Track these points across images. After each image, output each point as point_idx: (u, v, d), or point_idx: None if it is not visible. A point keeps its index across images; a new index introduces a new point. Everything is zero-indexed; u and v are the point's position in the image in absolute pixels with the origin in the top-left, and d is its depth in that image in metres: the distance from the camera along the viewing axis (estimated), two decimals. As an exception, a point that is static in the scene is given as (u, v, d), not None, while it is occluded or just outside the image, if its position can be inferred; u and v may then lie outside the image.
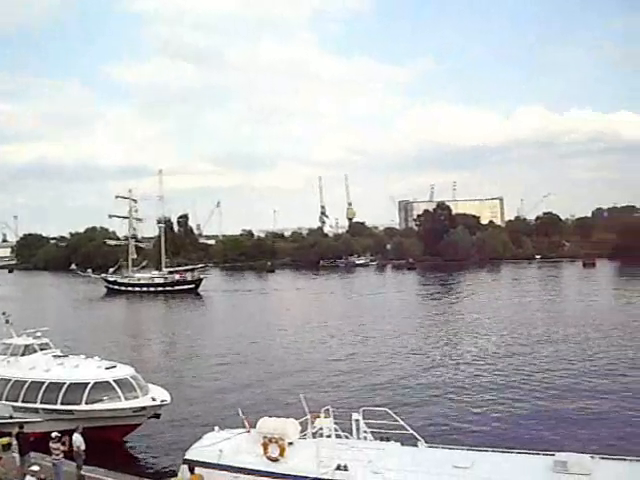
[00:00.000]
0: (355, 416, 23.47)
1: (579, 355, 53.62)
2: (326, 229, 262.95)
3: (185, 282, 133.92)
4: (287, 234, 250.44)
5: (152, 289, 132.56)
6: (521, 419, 37.13)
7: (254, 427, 23.53)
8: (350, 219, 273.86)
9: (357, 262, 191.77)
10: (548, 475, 20.53)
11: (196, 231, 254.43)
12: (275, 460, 22.17)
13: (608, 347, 56.46)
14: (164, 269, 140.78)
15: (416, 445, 23.42)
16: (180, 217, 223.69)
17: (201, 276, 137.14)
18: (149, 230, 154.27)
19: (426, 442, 23.67)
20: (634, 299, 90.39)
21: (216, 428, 25.14)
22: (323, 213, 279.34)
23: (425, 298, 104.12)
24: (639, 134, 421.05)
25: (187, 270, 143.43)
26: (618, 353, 53.71)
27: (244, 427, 24.30)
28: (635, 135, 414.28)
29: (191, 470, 23.17)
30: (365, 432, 23.50)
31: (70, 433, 27.69)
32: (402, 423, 23.30)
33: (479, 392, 43.40)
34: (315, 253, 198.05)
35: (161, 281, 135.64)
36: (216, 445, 23.54)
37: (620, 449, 27.64)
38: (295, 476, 21.53)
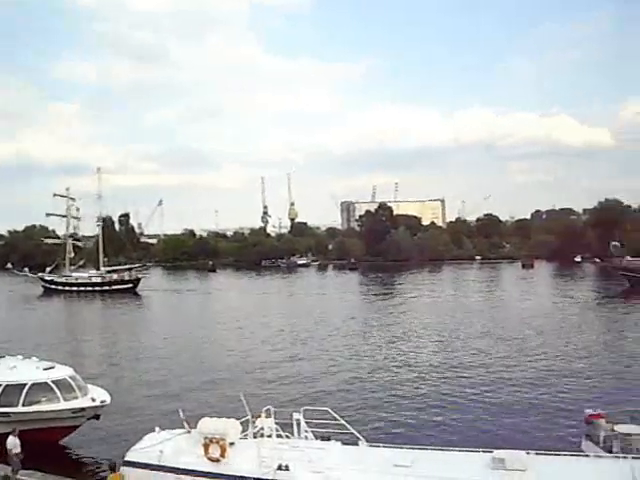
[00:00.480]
0: (296, 416, 23.58)
1: (516, 354, 54.65)
2: (269, 229, 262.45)
3: (123, 282, 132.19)
4: (229, 234, 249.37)
5: (90, 289, 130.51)
6: (460, 417, 37.63)
7: (195, 427, 23.50)
8: (292, 219, 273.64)
9: (299, 262, 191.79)
10: (486, 472, 20.97)
11: (138, 230, 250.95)
12: (216, 461, 22.17)
13: (543, 346, 57.69)
14: (102, 268, 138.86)
15: (357, 444, 23.64)
16: (121, 216, 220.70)
17: (139, 275, 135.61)
18: (89, 229, 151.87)
19: (367, 441, 23.90)
20: (569, 299, 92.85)
21: (156, 429, 24.97)
22: (265, 213, 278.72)
23: (367, 298, 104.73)
24: (577, 138, 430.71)
25: (125, 269, 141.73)
26: (553, 352, 54.91)
27: (185, 428, 24.23)
28: (573, 139, 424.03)
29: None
30: (306, 432, 23.63)
31: (5, 436, 27.24)
32: (343, 422, 23.50)
33: (419, 391, 43.82)
34: (257, 253, 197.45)
35: (99, 280, 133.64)
36: (156, 446, 23.42)
37: (555, 445, 28.29)
38: (236, 477, 21.56)
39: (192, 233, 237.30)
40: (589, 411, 29.72)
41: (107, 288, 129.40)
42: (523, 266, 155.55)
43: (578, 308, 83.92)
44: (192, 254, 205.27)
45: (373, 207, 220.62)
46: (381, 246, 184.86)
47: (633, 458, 22.94)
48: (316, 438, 23.67)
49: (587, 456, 25.39)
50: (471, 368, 50.07)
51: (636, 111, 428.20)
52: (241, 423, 23.39)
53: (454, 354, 55.73)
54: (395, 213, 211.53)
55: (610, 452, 26.27)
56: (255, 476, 21.28)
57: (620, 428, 27.24)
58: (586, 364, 50.66)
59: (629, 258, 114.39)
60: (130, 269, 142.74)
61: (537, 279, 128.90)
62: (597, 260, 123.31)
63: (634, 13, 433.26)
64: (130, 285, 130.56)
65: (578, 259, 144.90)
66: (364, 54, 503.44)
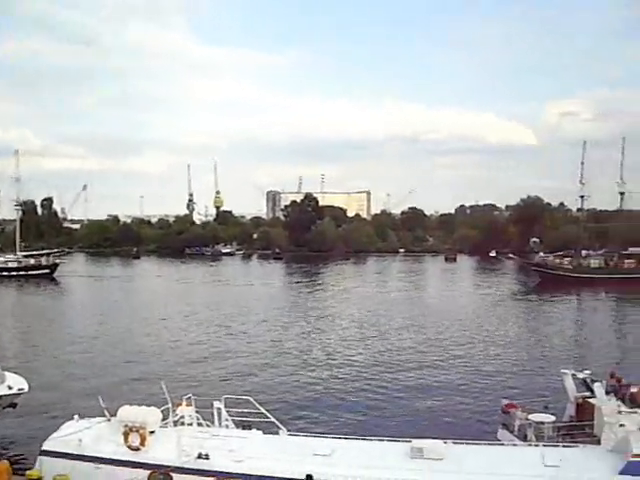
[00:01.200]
0: (217, 404, 23.57)
1: (436, 346, 55.76)
2: (195, 217, 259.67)
3: (40, 267, 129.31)
4: (154, 221, 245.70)
5: (5, 273, 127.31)
6: (380, 408, 38.21)
7: (115, 416, 23.22)
8: (218, 207, 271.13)
9: (223, 251, 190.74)
10: (405, 461, 21.39)
11: (61, 215, 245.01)
12: (136, 449, 22.01)
13: (461, 338, 59.15)
14: (18, 253, 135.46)
15: (277, 433, 23.77)
16: (44, 200, 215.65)
17: (57, 261, 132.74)
18: (10, 213, 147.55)
19: (287, 430, 24.05)
20: (486, 293, 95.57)
21: (75, 417, 24.58)
22: (191, 200, 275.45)
23: (291, 289, 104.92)
24: (502, 136, 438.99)
25: (43, 254, 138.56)
26: (470, 344, 56.35)
27: (105, 416, 23.92)
28: (498, 137, 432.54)
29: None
30: (227, 420, 23.66)
31: None
32: (264, 411, 23.58)
33: (340, 382, 44.31)
34: (182, 241, 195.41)
35: (15, 265, 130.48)
36: (75, 435, 23.07)
37: (473, 434, 28.96)
38: (156, 465, 21.42)
39: (116, 219, 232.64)
40: (505, 401, 30.59)
41: (23, 273, 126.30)
42: (446, 259, 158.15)
43: (494, 302, 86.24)
44: (116, 240, 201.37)
45: (299, 197, 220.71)
46: (306, 236, 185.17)
47: (544, 445, 23.75)
48: (237, 427, 23.71)
49: (502, 444, 26.15)
50: (392, 360, 50.84)
51: (560, 112, 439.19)
52: (162, 411, 23.25)
53: (376, 346, 56.44)
54: (321, 204, 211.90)
55: (524, 440, 27.10)
56: (175, 465, 21.19)
57: (534, 417, 28.09)
58: (502, 356, 52.13)
59: (541, 254, 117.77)
60: (48, 254, 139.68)
61: (459, 273, 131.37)
62: (511, 255, 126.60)
63: (562, 16, 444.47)
64: (47, 270, 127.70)
65: (493, 254, 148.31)
66: (293, 44, 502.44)
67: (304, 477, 20.42)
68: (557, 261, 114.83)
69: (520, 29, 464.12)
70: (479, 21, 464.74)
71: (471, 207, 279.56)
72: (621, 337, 61.71)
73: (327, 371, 47.32)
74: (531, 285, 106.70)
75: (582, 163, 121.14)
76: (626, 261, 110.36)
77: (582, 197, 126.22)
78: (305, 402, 39.33)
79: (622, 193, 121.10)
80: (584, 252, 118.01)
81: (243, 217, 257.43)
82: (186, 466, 21.16)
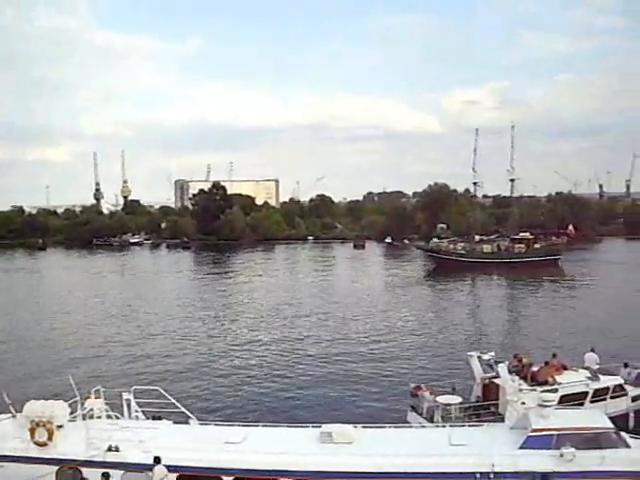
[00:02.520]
0: (126, 396, 23.33)
1: (343, 332, 56.36)
2: (104, 206, 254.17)
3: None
4: (60, 211, 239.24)
5: None
6: (290, 394, 38.50)
7: (20, 411, 22.69)
8: (125, 197, 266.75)
9: (131, 241, 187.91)
10: (315, 446, 21.67)
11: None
12: (43, 445, 21.54)
13: (367, 324, 60.08)
14: None
15: (188, 423, 23.71)
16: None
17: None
18: None
19: (198, 419, 24.03)
20: (391, 278, 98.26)
21: (-22, 415, 23.91)
22: (98, 190, 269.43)
23: (198, 278, 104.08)
24: (409, 124, 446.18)
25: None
26: (376, 330, 57.24)
27: (10, 412, 23.33)
28: (405, 125, 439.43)
29: None
30: (137, 412, 23.46)
31: None
32: (173, 401, 23.48)
33: (250, 369, 44.42)
34: (89, 231, 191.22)
35: None
36: (-22, 432, 22.46)
37: (383, 418, 29.56)
38: (64, 460, 21.06)
39: (21, 210, 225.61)
40: (413, 384, 31.36)
41: None
42: (355, 246, 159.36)
43: (396, 287, 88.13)
44: (21, 232, 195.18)
45: (207, 186, 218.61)
46: (214, 225, 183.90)
47: (451, 426, 24.46)
48: (147, 418, 23.53)
49: (411, 426, 26.79)
50: (301, 346, 51.18)
51: (464, 100, 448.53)
52: (70, 405, 22.83)
53: (285, 333, 56.72)
54: (229, 192, 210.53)
55: (432, 421, 27.85)
56: (84, 459, 20.87)
57: (441, 399, 28.89)
58: (408, 340, 53.09)
59: (436, 240, 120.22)
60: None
61: (367, 259, 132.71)
62: (406, 241, 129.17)
63: (469, 9, 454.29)
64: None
65: (388, 240, 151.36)
66: (200, 32, 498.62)
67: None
68: (451, 246, 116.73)
69: (427, 20, 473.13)
70: (388, 12, 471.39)
71: (379, 194, 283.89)
72: (516, 319, 63.68)
73: (237, 359, 47.34)
74: (428, 270, 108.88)
75: (474, 150, 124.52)
76: (516, 245, 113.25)
77: (475, 184, 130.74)
78: (216, 391, 39.29)
79: (512, 180, 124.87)
80: (477, 237, 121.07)
81: (151, 206, 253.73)
82: (95, 459, 20.86)
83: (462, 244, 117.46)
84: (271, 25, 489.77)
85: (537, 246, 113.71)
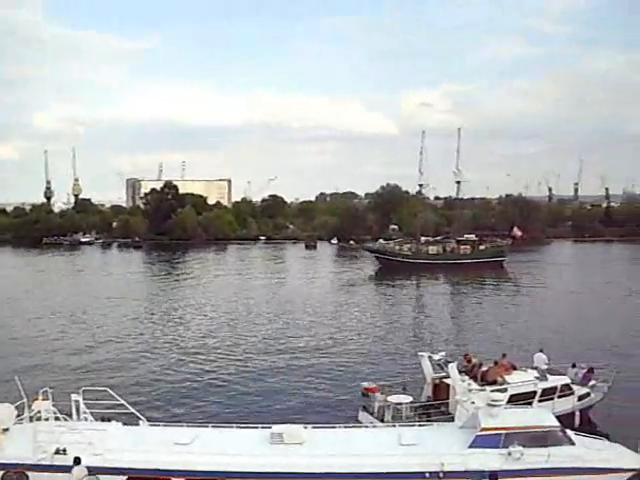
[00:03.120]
0: (75, 397, 23.02)
1: (294, 333, 56.43)
2: (57, 205, 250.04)
3: None
4: (9, 209, 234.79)
5: None
6: (242, 395, 38.45)
7: (-35, 415, 22.26)
8: (76, 195, 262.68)
9: (82, 240, 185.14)
10: (265, 447, 21.71)
11: None
12: (-11, 449, 21.17)
13: (318, 324, 60.32)
14: None
15: (138, 424, 23.53)
16: None
17: None
18: None
19: (148, 420, 23.86)
20: (340, 277, 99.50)
21: None
22: (48, 188, 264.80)
23: (149, 277, 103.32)
24: (364, 125, 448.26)
25: None
26: (326, 330, 57.43)
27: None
28: (360, 126, 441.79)
29: None
30: (85, 413, 23.16)
31: None
32: (123, 402, 23.27)
33: (200, 370, 44.19)
34: (39, 230, 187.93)
35: None
36: None
37: (335, 418, 29.67)
38: (10, 464, 20.71)
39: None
40: (365, 384, 31.49)
41: None
42: (306, 247, 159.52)
43: (344, 288, 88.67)
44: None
45: (159, 185, 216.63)
46: (166, 225, 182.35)
47: (401, 425, 24.68)
48: (96, 419, 23.25)
49: (362, 426, 26.93)
50: (253, 347, 51.12)
51: (418, 102, 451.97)
52: (16, 407, 22.46)
53: (236, 333, 56.59)
54: (181, 192, 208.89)
55: (383, 421, 28.03)
56: (31, 462, 20.57)
57: (392, 398, 29.10)
58: (358, 340, 53.57)
59: (381, 241, 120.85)
60: None
61: (318, 260, 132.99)
62: (351, 242, 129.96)
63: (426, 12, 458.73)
64: None
65: (334, 241, 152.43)
66: (157, 31, 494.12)
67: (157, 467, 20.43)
68: (396, 247, 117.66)
69: (386, 22, 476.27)
70: (347, 13, 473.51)
71: (331, 194, 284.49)
72: (464, 319, 64.38)
73: (188, 360, 47.00)
74: (374, 271, 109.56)
75: (421, 153, 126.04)
76: (462, 247, 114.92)
77: (421, 185, 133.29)
78: (166, 391, 39.01)
79: (458, 182, 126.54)
80: (423, 238, 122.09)
81: (103, 205, 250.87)
82: (43, 463, 20.58)
83: (408, 245, 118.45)
84: (229, 25, 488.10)
85: (482, 248, 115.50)
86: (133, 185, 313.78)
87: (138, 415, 23.45)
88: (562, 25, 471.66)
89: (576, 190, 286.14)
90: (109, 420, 23.34)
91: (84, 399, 23.12)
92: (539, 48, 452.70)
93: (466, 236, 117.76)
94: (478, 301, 75.88)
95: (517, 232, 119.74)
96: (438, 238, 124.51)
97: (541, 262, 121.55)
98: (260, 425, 23.37)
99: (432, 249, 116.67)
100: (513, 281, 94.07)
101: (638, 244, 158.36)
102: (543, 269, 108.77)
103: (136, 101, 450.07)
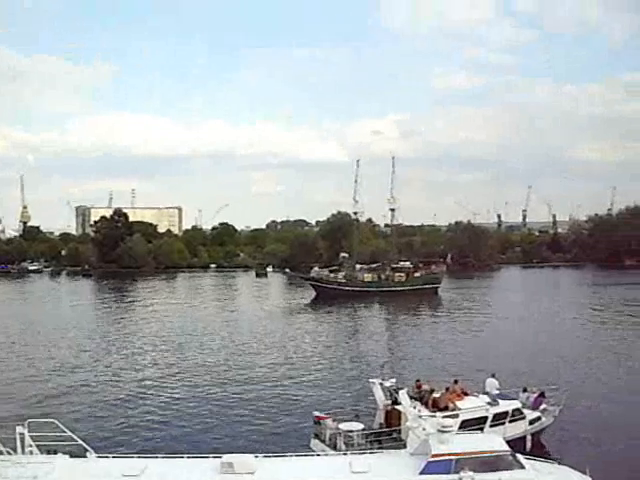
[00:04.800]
0: (19, 430, 22.47)
1: (245, 362, 56.14)
2: (7, 232, 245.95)
3: None
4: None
5: None
6: (192, 425, 37.98)
7: None
8: (25, 223, 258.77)
9: (30, 268, 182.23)
10: (216, 477, 21.46)
11: None
12: None
13: (269, 353, 60.33)
14: None
15: (85, 456, 23.05)
16: None
17: None
18: None
19: (96, 452, 23.38)
20: (280, 307, 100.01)
21: None
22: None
23: (98, 306, 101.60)
24: (315, 152, 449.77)
25: None
26: (278, 360, 57.13)
27: None
28: (311, 153, 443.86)
29: None
30: (31, 446, 22.60)
31: None
32: (70, 434, 22.78)
33: (149, 400, 43.68)
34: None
35: None
36: None
37: (287, 446, 29.41)
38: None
39: None
40: (317, 412, 31.38)
41: None
42: (257, 275, 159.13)
43: (284, 316, 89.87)
44: None
45: (109, 213, 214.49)
46: (116, 253, 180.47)
47: (352, 453, 24.61)
48: (42, 452, 22.71)
49: (313, 454, 26.80)
50: (204, 377, 50.57)
51: (368, 130, 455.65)
52: (-42, 442, 21.86)
53: (182, 362, 56.23)
54: (131, 220, 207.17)
55: (335, 449, 27.94)
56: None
57: (344, 426, 29.03)
58: (306, 368, 53.50)
59: (317, 269, 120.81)
60: None
61: (267, 288, 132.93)
62: (287, 270, 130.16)
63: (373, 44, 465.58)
64: None
65: (269, 269, 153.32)
66: (107, 57, 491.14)
67: None
68: (332, 275, 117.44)
69: (335, 53, 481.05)
70: (295, 45, 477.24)
71: (282, 222, 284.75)
72: (404, 346, 64.45)
73: (136, 389, 46.34)
74: (309, 299, 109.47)
75: (355, 181, 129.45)
76: (396, 274, 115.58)
77: (355, 213, 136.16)
78: (115, 422, 38.37)
79: (392, 209, 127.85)
80: (358, 266, 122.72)
81: (52, 233, 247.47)
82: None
83: (342, 273, 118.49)
84: (178, 55, 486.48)
85: (417, 275, 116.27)
86: (83, 213, 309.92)
87: (86, 447, 22.97)
88: (508, 55, 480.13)
89: (524, 217, 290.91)
90: (55, 453, 22.81)
91: (29, 431, 22.58)
92: (485, 78, 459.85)
93: (401, 263, 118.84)
94: (418, 328, 76.70)
95: (450, 259, 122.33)
96: (373, 265, 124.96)
97: (490, 288, 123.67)
98: (211, 455, 23.09)
99: (367, 276, 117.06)
100: (447, 308, 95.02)
101: (584, 269, 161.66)
102: (484, 295, 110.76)
103: (86, 128, 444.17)
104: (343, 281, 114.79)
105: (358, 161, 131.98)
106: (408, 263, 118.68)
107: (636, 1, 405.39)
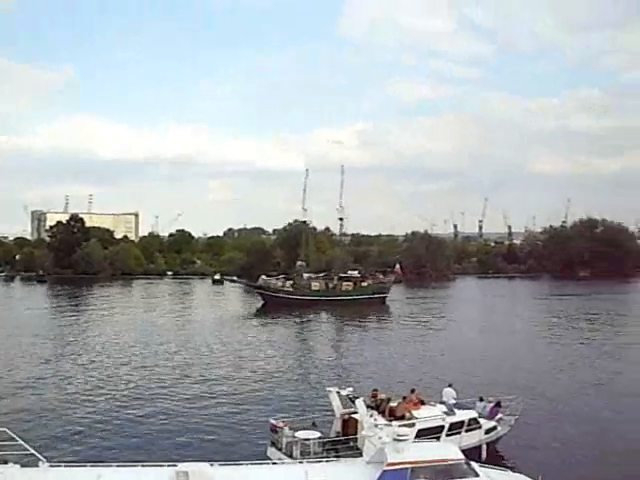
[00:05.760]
0: (-32, 439, 22.00)
1: (200, 369, 55.97)
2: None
3: None
4: None
5: None
6: (146, 432, 37.69)
7: None
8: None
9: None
10: (170, 486, 21.17)
11: None
12: None
13: (224, 361, 60.08)
14: None
15: (37, 465, 22.62)
16: None
17: None
18: None
19: (48, 461, 22.97)
20: (246, 314, 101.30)
21: None
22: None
23: (51, 313, 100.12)
24: (274, 160, 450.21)
25: None
26: (231, 366, 57.37)
27: None
28: (270, 161, 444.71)
29: None
30: (-20, 456, 22.14)
31: None
32: (21, 442, 22.28)
33: (103, 407, 43.12)
34: None
35: None
36: None
37: (243, 454, 29.25)
38: None
39: None
40: (273, 421, 31.28)
41: None
42: (214, 282, 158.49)
43: (236, 322, 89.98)
44: None
45: (65, 218, 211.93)
46: (71, 258, 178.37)
47: (308, 461, 24.56)
48: (-9, 462, 22.24)
49: (269, 463, 26.70)
50: (157, 384, 50.27)
51: (327, 139, 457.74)
52: None
53: (135, 369, 55.80)
54: (88, 225, 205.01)
55: (291, 457, 27.88)
56: None
57: (300, 434, 28.98)
58: (262, 375, 53.44)
59: (264, 277, 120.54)
60: None
61: (224, 296, 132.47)
62: (235, 278, 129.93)
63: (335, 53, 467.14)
64: None
65: (217, 277, 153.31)
66: (68, 61, 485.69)
67: None
68: (279, 284, 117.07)
69: (296, 62, 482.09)
70: (258, 52, 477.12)
71: (239, 230, 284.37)
72: (352, 354, 64.59)
73: (89, 397, 45.77)
74: (256, 308, 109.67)
75: (304, 190, 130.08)
76: (344, 284, 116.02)
77: (304, 222, 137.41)
78: (67, 430, 37.81)
79: (341, 219, 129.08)
80: (306, 275, 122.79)
81: (6, 237, 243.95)
82: None
83: (290, 281, 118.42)
84: (137, 60, 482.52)
85: (365, 284, 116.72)
86: (38, 218, 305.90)
87: (37, 455, 22.53)
88: (470, 67, 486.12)
89: (480, 227, 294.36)
90: (5, 462, 22.34)
91: (-22, 441, 22.13)
92: (446, 89, 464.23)
93: (349, 272, 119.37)
94: (367, 337, 76.91)
95: (398, 269, 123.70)
96: (321, 274, 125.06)
97: (445, 298, 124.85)
98: (166, 464, 22.86)
99: (315, 285, 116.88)
100: (395, 318, 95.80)
101: (539, 280, 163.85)
102: (439, 305, 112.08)
103: (43, 132, 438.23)
104: (290, 290, 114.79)
105: (307, 170, 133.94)
106: (356, 272, 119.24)
107: (590, 20, 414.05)
